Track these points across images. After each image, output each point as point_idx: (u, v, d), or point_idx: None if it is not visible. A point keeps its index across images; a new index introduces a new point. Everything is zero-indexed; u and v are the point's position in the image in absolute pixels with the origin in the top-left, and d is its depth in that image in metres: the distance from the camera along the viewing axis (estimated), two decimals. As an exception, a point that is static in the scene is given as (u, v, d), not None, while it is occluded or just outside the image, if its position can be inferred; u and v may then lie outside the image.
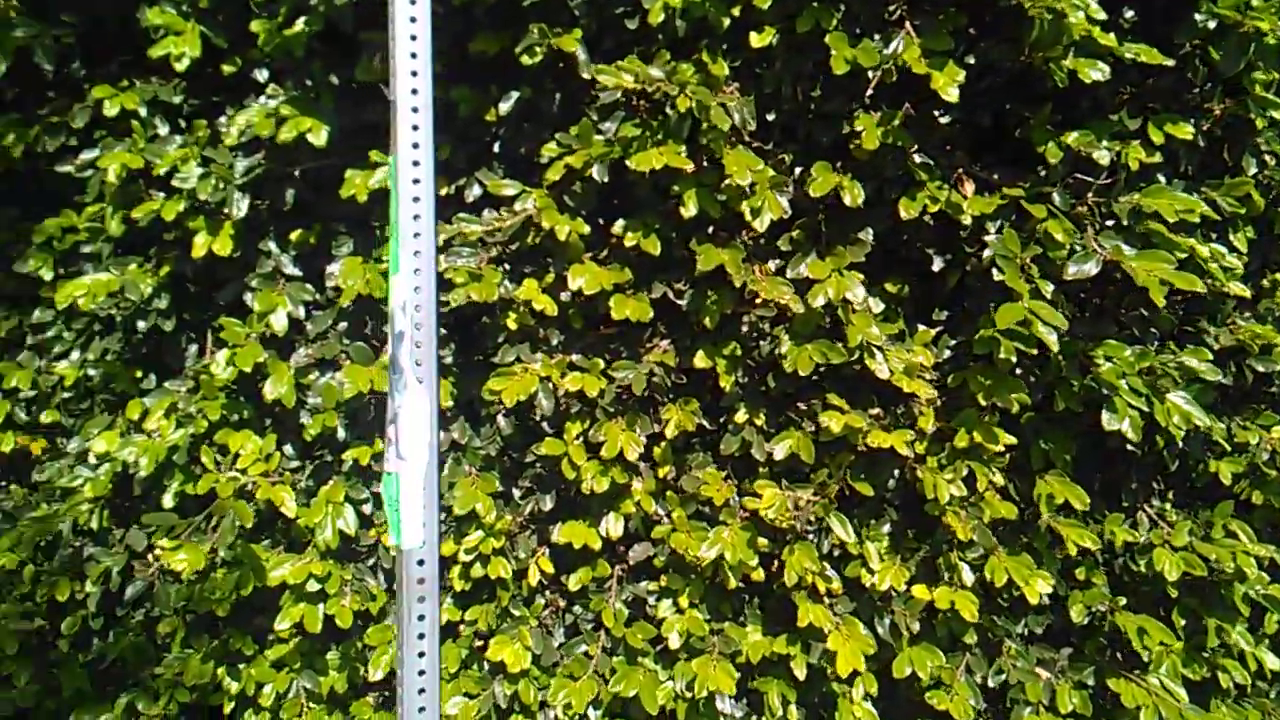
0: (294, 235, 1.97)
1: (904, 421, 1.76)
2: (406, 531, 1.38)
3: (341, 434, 1.89)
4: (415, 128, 1.44)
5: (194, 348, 2.03)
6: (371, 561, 1.91)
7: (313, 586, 1.79)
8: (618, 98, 1.84)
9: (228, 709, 1.88)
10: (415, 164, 1.44)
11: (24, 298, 2.07)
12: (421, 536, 1.38)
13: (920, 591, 1.74)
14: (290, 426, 1.93)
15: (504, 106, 1.89)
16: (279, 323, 1.89)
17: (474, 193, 1.91)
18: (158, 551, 1.77)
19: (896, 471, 1.77)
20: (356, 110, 1.96)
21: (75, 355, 2.02)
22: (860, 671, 1.69)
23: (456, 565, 1.86)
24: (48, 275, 2.00)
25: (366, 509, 1.88)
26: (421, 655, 1.38)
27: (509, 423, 1.93)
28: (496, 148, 1.95)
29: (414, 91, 1.44)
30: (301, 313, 1.93)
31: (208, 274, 1.99)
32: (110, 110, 1.94)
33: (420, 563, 1.39)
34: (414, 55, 1.45)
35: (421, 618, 1.38)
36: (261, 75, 2.00)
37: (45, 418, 2.04)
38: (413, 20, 1.44)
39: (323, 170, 1.98)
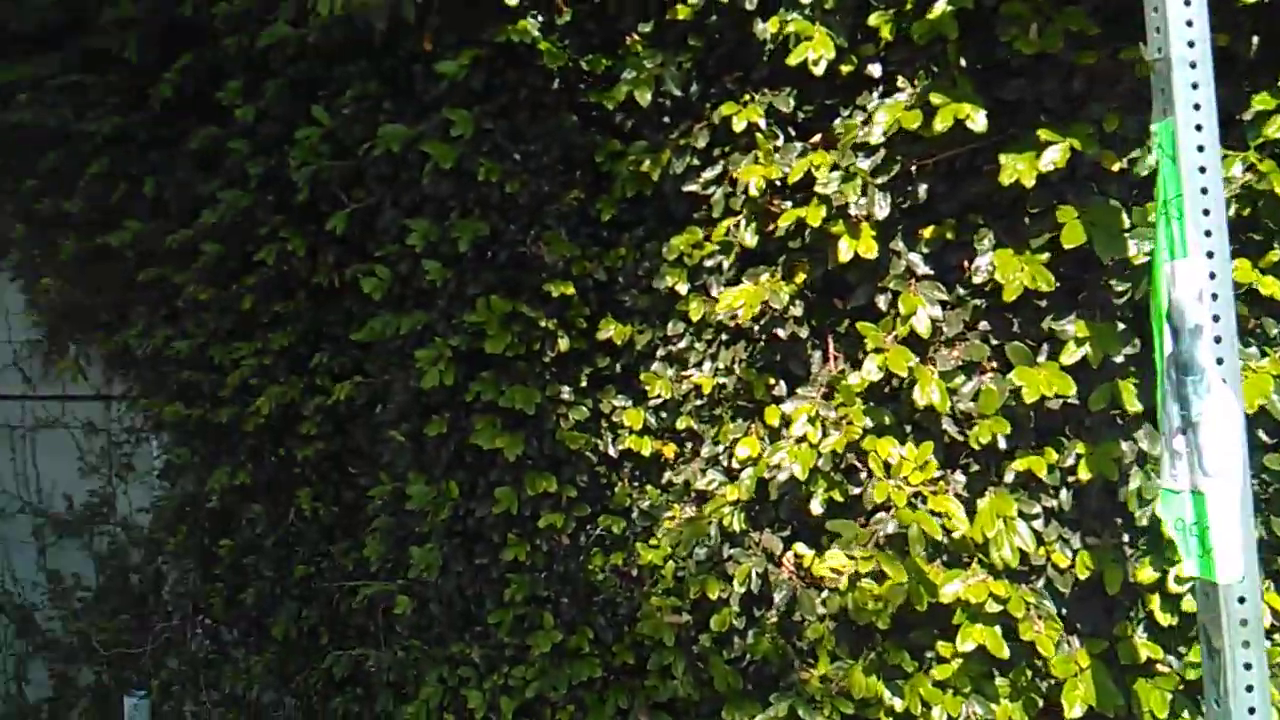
0: (926, 232, 1.87)
1: None
2: (1222, 563, 1.16)
3: (1001, 443, 1.74)
4: (1195, 85, 1.23)
5: (818, 354, 2.02)
6: (1040, 583, 1.74)
7: (992, 607, 1.66)
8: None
9: (885, 725, 1.83)
10: (1198, 128, 1.22)
11: (654, 313, 2.22)
12: (1241, 569, 1.16)
13: None
14: (934, 433, 1.83)
15: (1195, 58, 1.61)
16: (921, 324, 1.80)
17: (1150, 162, 1.66)
18: (840, 563, 1.76)
19: None
20: (987, 91, 1.81)
21: (707, 365, 2.12)
22: None
23: (1156, 595, 1.61)
24: (683, 289, 2.12)
25: (1037, 525, 1.71)
26: (1252, 711, 1.15)
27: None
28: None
29: (1190, 44, 1.23)
30: (938, 313, 1.83)
31: (832, 279, 1.97)
32: (738, 125, 2.00)
33: (1241, 600, 1.17)
34: (1188, 2, 1.23)
35: (1249, 666, 1.16)
36: (875, 70, 1.94)
37: (679, 424, 2.16)
38: (1188, -40, 1.22)
39: (955, 160, 1.86)
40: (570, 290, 2.15)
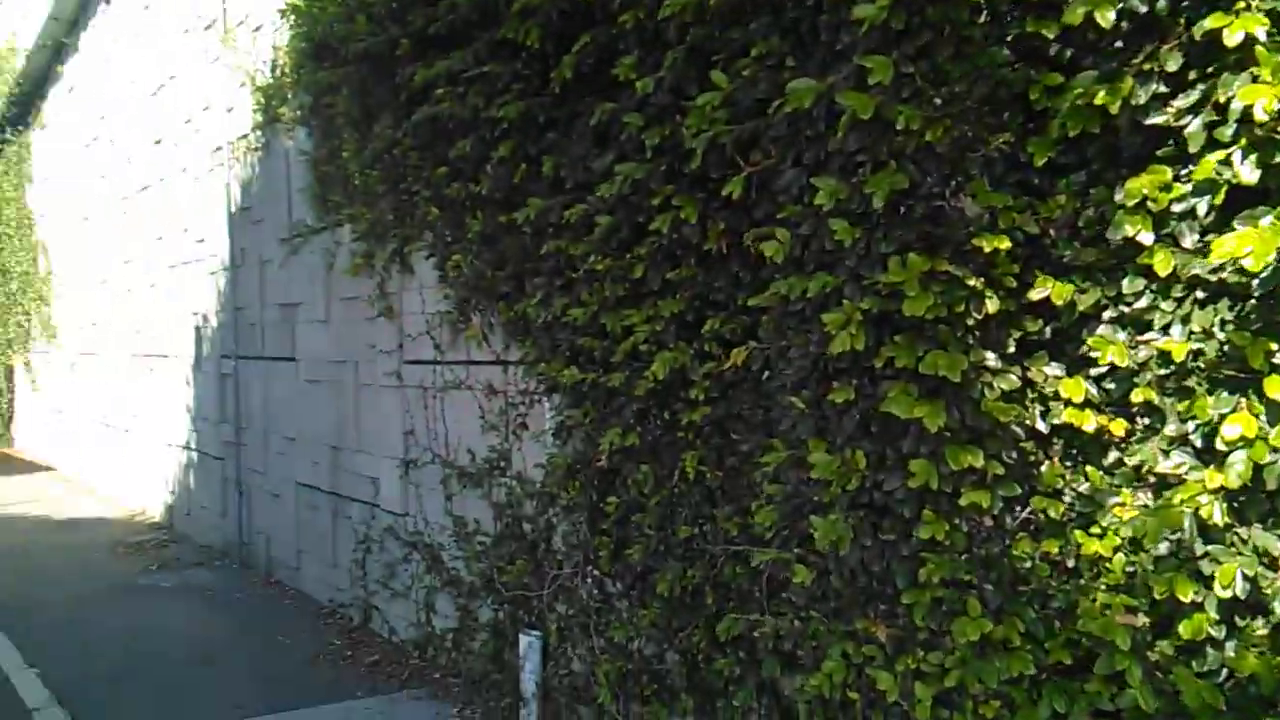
0: None
1: None
2: None
3: None
4: None
5: (1341, 312, 1.64)
6: None
7: None
8: None
9: None
10: None
11: (1099, 269, 1.94)
12: None
13: None
14: None
15: None
16: None
17: None
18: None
19: None
20: None
21: (1177, 329, 1.80)
22: None
23: None
24: (1146, 239, 1.82)
25: None
26: None
27: None
28: None
29: None
30: None
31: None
32: (1230, 40, 1.66)
33: None
34: None
35: None
36: None
37: (1135, 396, 1.87)
38: None
39: None
40: (1005, 244, 1.94)
